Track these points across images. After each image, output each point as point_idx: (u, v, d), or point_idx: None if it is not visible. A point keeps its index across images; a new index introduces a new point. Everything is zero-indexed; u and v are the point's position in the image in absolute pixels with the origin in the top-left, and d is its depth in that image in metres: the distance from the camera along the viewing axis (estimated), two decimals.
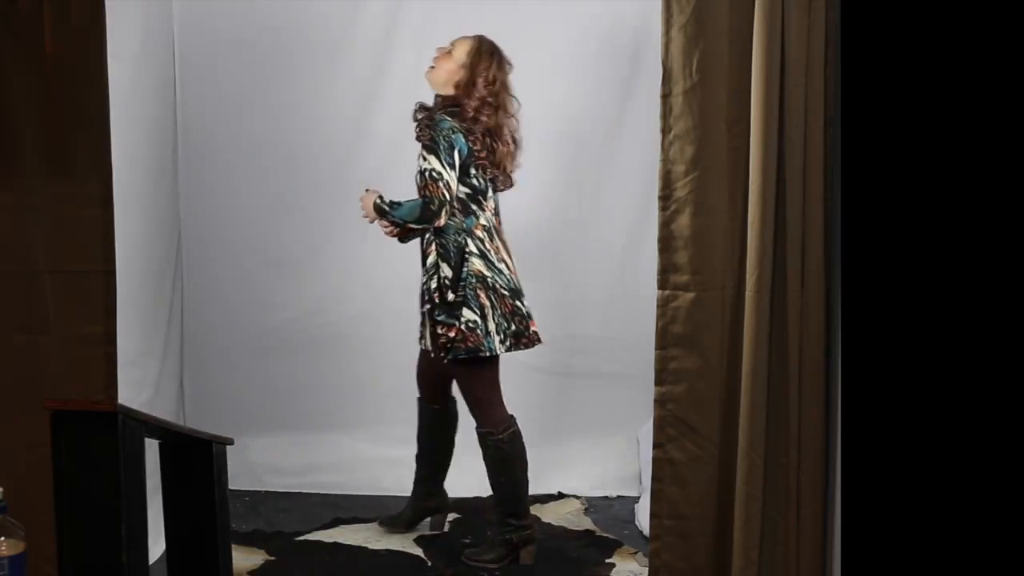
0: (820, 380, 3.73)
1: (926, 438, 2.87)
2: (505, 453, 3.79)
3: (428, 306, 3.80)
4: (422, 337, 3.91)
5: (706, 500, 3.75)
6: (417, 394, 4.03)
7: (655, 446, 3.76)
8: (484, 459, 3.80)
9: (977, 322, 2.72)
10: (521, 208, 4.06)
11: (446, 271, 3.79)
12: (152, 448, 3.45)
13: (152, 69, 4.01)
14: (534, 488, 3.95)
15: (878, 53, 3.03)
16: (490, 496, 3.87)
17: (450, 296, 3.77)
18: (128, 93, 3.78)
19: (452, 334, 3.79)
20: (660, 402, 3.76)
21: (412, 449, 4.07)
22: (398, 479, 4.01)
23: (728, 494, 3.74)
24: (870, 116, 3.05)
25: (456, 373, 3.85)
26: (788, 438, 3.73)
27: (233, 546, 3.68)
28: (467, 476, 4.07)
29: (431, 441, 4.02)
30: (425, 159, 3.79)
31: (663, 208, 3.76)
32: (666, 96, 3.74)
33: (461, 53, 3.73)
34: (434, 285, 3.81)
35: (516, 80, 3.86)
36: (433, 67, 3.78)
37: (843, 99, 3.66)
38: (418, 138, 3.78)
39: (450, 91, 3.82)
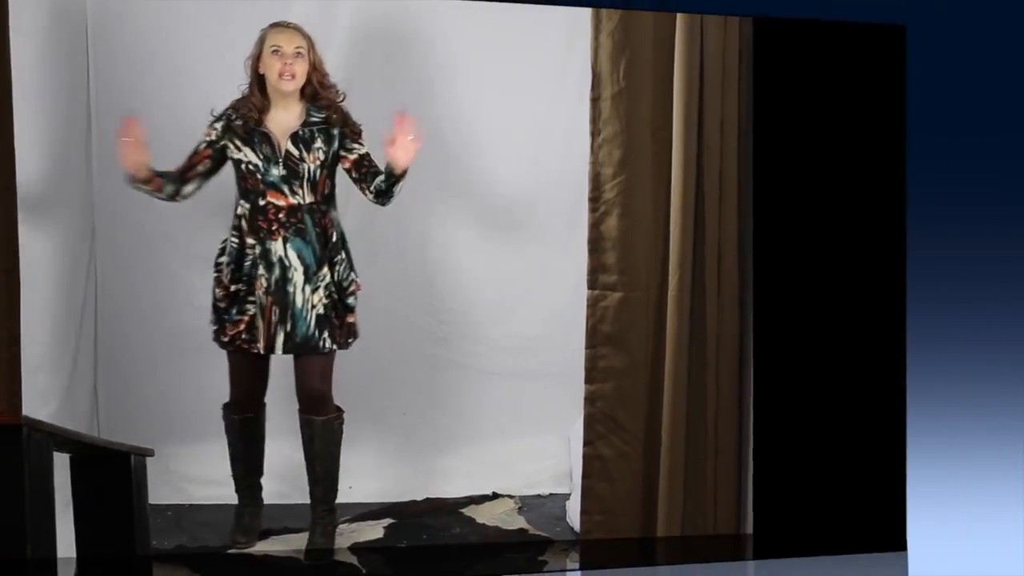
0: (735, 379, 3.91)
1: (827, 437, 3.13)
2: (340, 435, 3.76)
3: (330, 299, 3.65)
4: (255, 340, 3.66)
5: (632, 495, 3.84)
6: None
7: (585, 443, 3.83)
8: (321, 446, 3.65)
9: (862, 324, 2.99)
10: (457, 210, 4.04)
11: (344, 256, 3.73)
12: (63, 462, 3.19)
13: (61, 47, 3.70)
14: (470, 489, 3.93)
15: (788, 65, 3.24)
16: (317, 489, 3.69)
17: (356, 277, 3.71)
18: (34, 73, 3.49)
19: (352, 320, 3.72)
20: (590, 400, 3.83)
21: (357, 454, 3.91)
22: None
23: (652, 488, 3.85)
24: (780, 128, 3.25)
25: (324, 362, 3.71)
26: (706, 436, 3.87)
27: (154, 565, 3.47)
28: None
29: (254, 448, 3.85)
30: (361, 144, 3.72)
31: (593, 210, 3.84)
32: (595, 100, 3.83)
33: (306, 48, 3.65)
34: (339, 277, 3.68)
35: (453, 84, 3.88)
36: (293, 76, 3.65)
37: (755, 111, 3.89)
38: (353, 129, 3.69)
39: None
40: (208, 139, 3.71)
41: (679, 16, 3.82)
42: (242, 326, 3.71)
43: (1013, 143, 4.03)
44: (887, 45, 3.96)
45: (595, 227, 3.83)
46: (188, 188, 3.70)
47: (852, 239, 3.94)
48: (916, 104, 3.95)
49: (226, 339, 3.73)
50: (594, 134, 3.83)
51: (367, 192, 3.72)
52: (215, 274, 3.76)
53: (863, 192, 3.94)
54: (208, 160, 3.71)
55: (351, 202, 3.86)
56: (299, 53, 3.66)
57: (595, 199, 3.84)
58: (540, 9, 3.79)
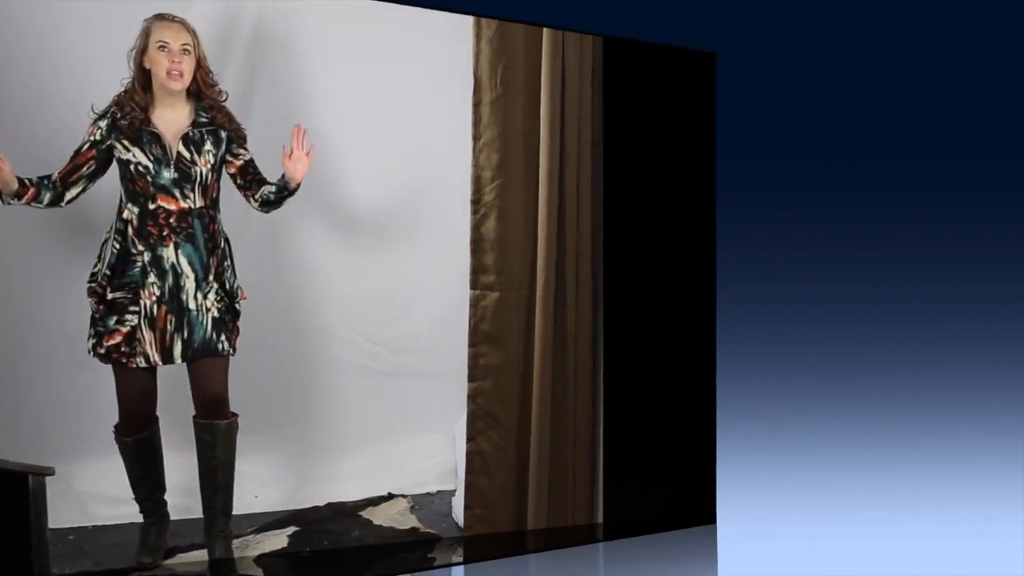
0: (590, 377, 4.16)
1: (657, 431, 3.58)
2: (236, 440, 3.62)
3: (222, 303, 3.49)
4: (134, 354, 3.36)
5: (507, 487, 3.98)
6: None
7: (468, 440, 3.92)
8: (223, 453, 3.51)
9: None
10: (348, 209, 3.92)
11: (231, 263, 3.58)
12: None
13: None
14: (367, 491, 3.84)
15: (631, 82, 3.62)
16: (217, 498, 3.55)
17: (240, 284, 3.57)
18: None
19: (239, 325, 3.57)
20: (472, 397, 3.93)
21: (258, 462, 3.67)
22: (242, 496, 3.59)
23: (523, 479, 4.01)
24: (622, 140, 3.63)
25: (224, 366, 3.55)
26: (565, 433, 4.09)
27: None
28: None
29: (154, 467, 3.62)
30: (246, 150, 3.56)
31: (474, 212, 3.94)
32: (477, 105, 3.94)
33: (192, 44, 3.49)
34: (229, 285, 3.53)
35: (337, 86, 3.78)
36: (182, 75, 3.48)
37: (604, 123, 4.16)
38: (238, 133, 3.52)
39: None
40: (92, 139, 3.39)
41: (545, 30, 4.02)
42: (119, 337, 3.41)
43: (813, 148, 4.67)
44: (702, 69, 4.41)
45: (476, 229, 3.94)
46: (72, 192, 3.37)
47: (676, 243, 4.36)
48: (729, 117, 4.45)
49: (103, 351, 3.41)
50: (475, 138, 3.94)
51: (252, 200, 3.59)
52: (89, 284, 3.43)
53: (684, 200, 4.37)
54: (92, 161, 3.39)
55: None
56: (186, 50, 3.44)
57: (476, 201, 3.94)
58: (427, 13, 3.83)
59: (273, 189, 3.56)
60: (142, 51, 3.41)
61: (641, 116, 4.25)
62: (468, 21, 3.91)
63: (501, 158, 3.96)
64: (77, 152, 3.37)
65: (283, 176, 3.55)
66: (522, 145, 4.00)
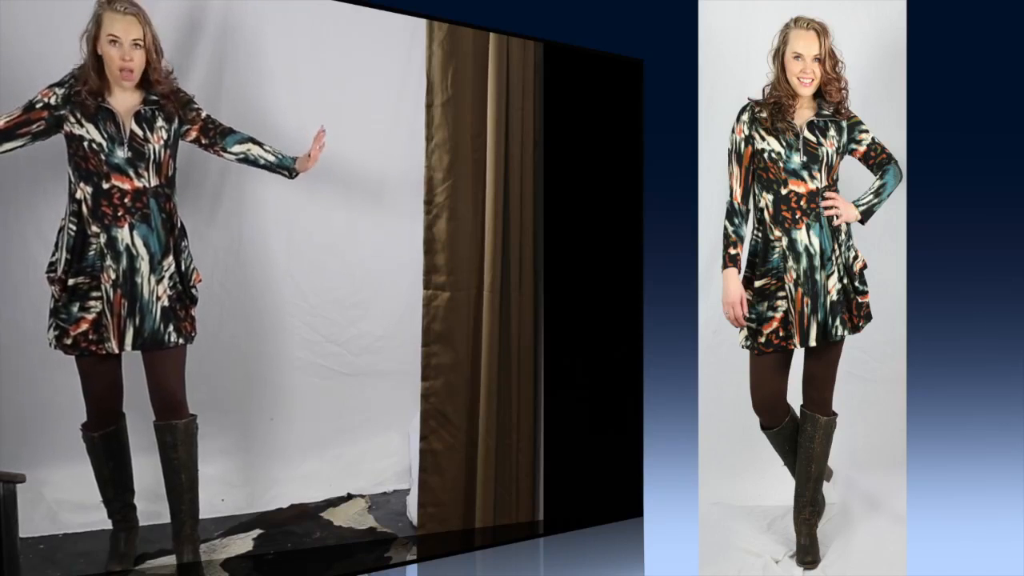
0: (530, 378, 4.24)
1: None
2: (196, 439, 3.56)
3: (174, 290, 3.42)
4: (103, 340, 3.36)
5: (457, 484, 4.03)
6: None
7: (421, 439, 3.95)
8: (184, 453, 3.44)
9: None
10: (310, 208, 3.88)
11: (187, 244, 3.52)
12: None
13: None
14: (328, 492, 3.80)
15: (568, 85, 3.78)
16: (183, 501, 3.53)
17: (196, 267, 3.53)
18: None
19: (194, 312, 3.51)
20: (425, 396, 3.96)
21: (223, 464, 3.59)
22: (208, 500, 3.50)
23: (472, 476, 4.07)
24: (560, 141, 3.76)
25: (176, 359, 3.50)
26: (511, 423, 4.17)
27: None
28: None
29: (121, 465, 3.54)
30: (199, 110, 3.50)
31: (427, 212, 3.97)
32: (429, 106, 3.97)
33: (143, 36, 3.44)
34: (185, 266, 3.46)
35: (294, 84, 3.73)
36: (132, 71, 3.41)
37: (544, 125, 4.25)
38: (185, 99, 3.46)
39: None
40: (47, 101, 3.27)
41: (491, 35, 4.08)
42: (85, 325, 3.32)
43: None
44: (631, 74, 4.55)
45: (428, 229, 3.97)
46: (12, 144, 3.26)
47: (608, 244, 4.49)
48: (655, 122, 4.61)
49: (69, 341, 3.30)
50: (428, 139, 3.97)
51: (224, 153, 3.56)
52: (48, 273, 3.32)
53: (615, 199, 4.51)
54: (43, 122, 3.28)
55: (223, 200, 3.61)
56: (137, 44, 3.37)
57: (428, 202, 3.97)
58: (385, 15, 3.84)
59: (273, 161, 3.61)
60: (94, 38, 3.32)
61: (576, 118, 4.35)
62: (423, 24, 3.94)
63: (451, 159, 4.00)
64: (30, 107, 3.25)
65: (294, 160, 3.63)
66: (471, 146, 4.05)
